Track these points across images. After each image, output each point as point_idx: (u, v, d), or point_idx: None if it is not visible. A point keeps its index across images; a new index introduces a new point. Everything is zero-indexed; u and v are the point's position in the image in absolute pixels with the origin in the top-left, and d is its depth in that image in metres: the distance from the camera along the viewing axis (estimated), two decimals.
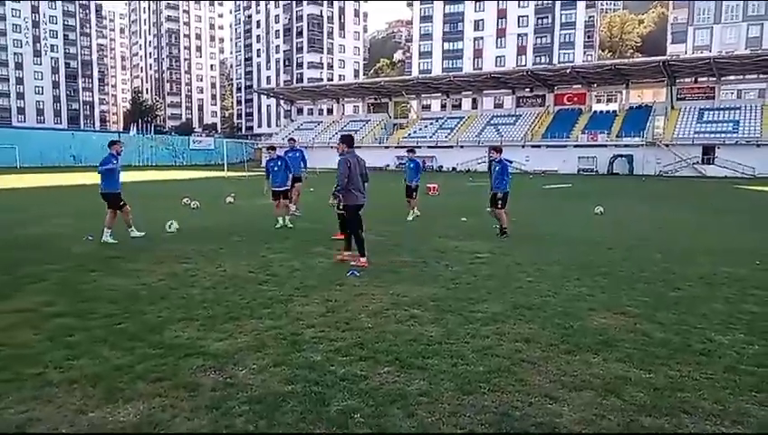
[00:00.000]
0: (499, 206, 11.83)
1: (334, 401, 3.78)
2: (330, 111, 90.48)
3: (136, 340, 4.95)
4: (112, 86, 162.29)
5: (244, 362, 4.47)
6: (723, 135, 53.60)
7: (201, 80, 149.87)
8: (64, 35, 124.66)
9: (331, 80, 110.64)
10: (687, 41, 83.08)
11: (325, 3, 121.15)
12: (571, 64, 70.81)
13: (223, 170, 44.74)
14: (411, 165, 15.71)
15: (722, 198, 25.05)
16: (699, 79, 60.38)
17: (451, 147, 65.65)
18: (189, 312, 5.85)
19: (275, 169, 12.91)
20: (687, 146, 54.25)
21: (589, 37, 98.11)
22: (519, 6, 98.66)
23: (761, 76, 58.27)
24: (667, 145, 55.00)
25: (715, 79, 58.82)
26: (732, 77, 61.34)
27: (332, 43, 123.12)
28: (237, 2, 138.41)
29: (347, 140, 8.75)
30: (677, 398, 3.89)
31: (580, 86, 66.32)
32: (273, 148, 13.78)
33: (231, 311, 5.90)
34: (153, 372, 4.24)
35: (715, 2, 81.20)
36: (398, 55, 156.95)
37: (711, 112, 57.04)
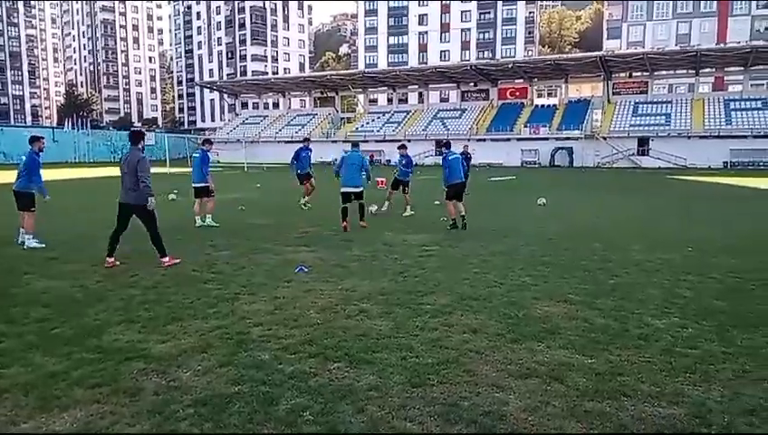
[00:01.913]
0: (448, 198, 11.98)
1: (282, 399, 3.73)
2: (276, 105, 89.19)
3: (72, 345, 4.72)
4: (44, 79, 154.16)
5: (189, 363, 4.34)
6: (656, 128, 56.09)
7: (140, 73, 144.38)
8: None
9: (276, 73, 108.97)
10: (622, 37, 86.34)
11: None
12: (513, 59, 72.53)
13: (165, 166, 43.36)
14: (404, 161, 15.23)
15: (656, 188, 26.22)
16: (633, 74, 62.97)
17: (398, 140, 65.94)
18: (129, 314, 5.63)
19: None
20: (624, 138, 56.47)
21: (529, 33, 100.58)
22: (462, 1, 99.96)
23: (689, 71, 61.26)
24: (604, 138, 57.08)
25: (648, 74, 61.43)
26: (663, 72, 64.33)
27: (276, 36, 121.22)
28: None
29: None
30: (618, 381, 4.04)
31: (522, 81, 67.88)
32: (209, 141, 13.81)
33: (174, 311, 5.72)
34: (91, 377, 4.06)
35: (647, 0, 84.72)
36: (343, 49, 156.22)
37: (645, 106, 59.57)
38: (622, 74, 63.54)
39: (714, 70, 62.11)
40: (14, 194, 10.29)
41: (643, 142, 55.78)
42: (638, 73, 62.43)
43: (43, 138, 10.67)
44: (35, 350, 4.61)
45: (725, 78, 66.48)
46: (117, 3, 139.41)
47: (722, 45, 63.71)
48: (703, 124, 54.31)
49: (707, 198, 21.00)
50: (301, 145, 16.62)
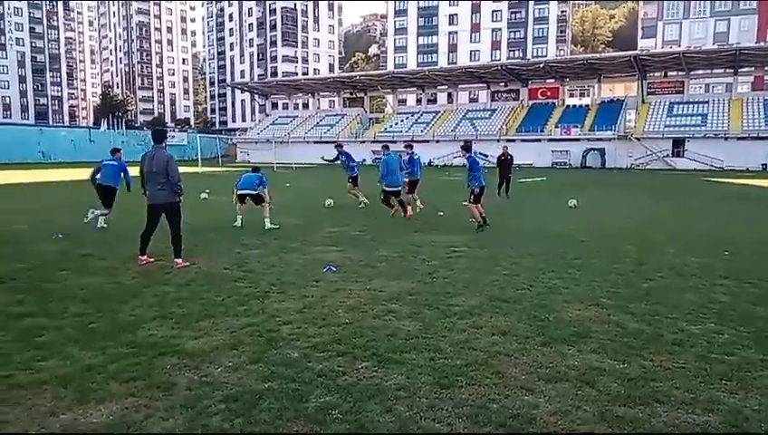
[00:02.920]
0: (472, 200, 11.84)
1: (312, 397, 3.76)
2: (305, 106, 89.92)
3: (108, 339, 4.85)
4: (81, 80, 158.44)
5: (220, 360, 4.42)
6: (692, 128, 54.71)
7: (173, 74, 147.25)
8: (30, 28, 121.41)
9: (306, 74, 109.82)
10: (657, 36, 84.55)
11: None
12: (545, 59, 71.54)
13: (197, 166, 44.12)
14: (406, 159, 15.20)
15: (691, 191, 25.59)
16: (669, 73, 61.54)
17: (427, 141, 65.78)
18: (163, 310, 5.76)
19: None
20: (658, 139, 55.26)
21: (561, 32, 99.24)
22: (493, 1, 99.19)
23: (727, 71, 59.58)
24: (638, 138, 55.94)
25: (684, 73, 59.97)
26: (700, 71, 62.63)
27: (307, 37, 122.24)
28: None
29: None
30: (651, 387, 3.96)
31: (553, 80, 66.98)
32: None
33: (206, 308, 5.82)
34: (126, 371, 4.16)
35: None
36: (373, 50, 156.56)
37: (680, 106, 58.17)
38: (657, 74, 62.16)
39: (753, 69, 60.29)
40: (101, 188, 12.50)
41: (678, 143, 54.49)
42: (674, 73, 60.97)
43: (120, 150, 13.34)
44: (73, 343, 4.75)
45: (766, 77, 64.49)
46: (152, 5, 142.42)
47: (762, 44, 61.83)
48: (741, 125, 52.77)
49: (745, 201, 20.40)
50: (336, 152, 17.62)
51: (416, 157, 15.45)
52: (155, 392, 3.83)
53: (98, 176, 12.69)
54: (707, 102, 57.98)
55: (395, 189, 13.80)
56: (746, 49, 54.13)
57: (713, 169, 50.06)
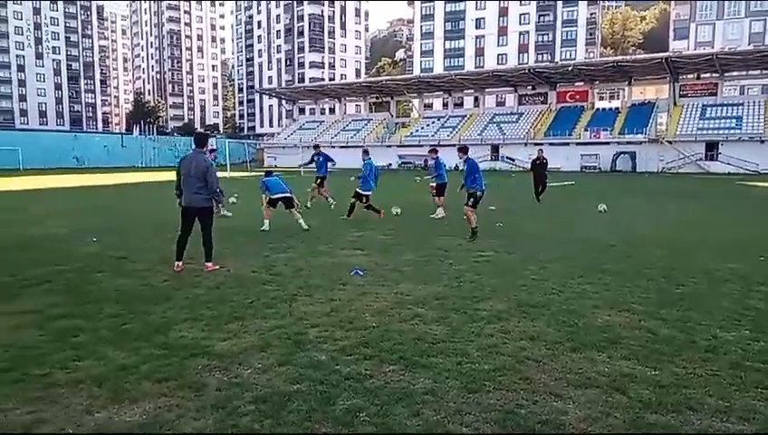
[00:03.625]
0: (471, 204, 11.36)
1: (339, 400, 3.79)
2: (332, 111, 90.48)
3: (141, 340, 4.97)
4: (114, 87, 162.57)
5: (249, 361, 4.48)
6: (726, 131, 53.43)
7: (203, 80, 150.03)
8: (66, 37, 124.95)
9: (333, 79, 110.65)
10: (690, 37, 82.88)
11: (326, 2, 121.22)
12: (573, 62, 70.72)
13: (225, 171, 44.77)
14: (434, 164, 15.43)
15: (725, 195, 24.98)
16: (702, 75, 60.21)
17: (453, 145, 65.57)
18: (194, 312, 5.86)
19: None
20: (690, 142, 54.09)
21: (591, 34, 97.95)
22: (520, 4, 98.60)
23: (764, 72, 58.07)
24: (670, 142, 54.87)
25: (717, 75, 58.64)
26: (734, 73, 61.17)
27: (334, 43, 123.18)
28: (238, 2, 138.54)
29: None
30: (683, 395, 3.89)
31: (582, 83, 66.19)
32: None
33: (235, 311, 5.91)
34: (158, 372, 4.25)
35: None
36: (399, 54, 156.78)
37: (714, 109, 56.87)
38: (689, 76, 60.87)
39: None
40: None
41: (711, 147, 53.28)
42: (707, 75, 59.65)
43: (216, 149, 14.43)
44: (108, 344, 4.87)
45: None
46: (183, 14, 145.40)
47: None
48: None
49: None
50: (314, 151, 18.31)
51: (441, 161, 15.39)
52: (186, 393, 3.90)
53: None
54: (742, 105, 56.59)
55: (365, 194, 14.11)
56: None
57: (748, 172, 48.77)
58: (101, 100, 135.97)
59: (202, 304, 6.16)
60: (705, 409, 3.69)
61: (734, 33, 79.00)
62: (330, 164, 18.18)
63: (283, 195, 12.33)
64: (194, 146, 8.12)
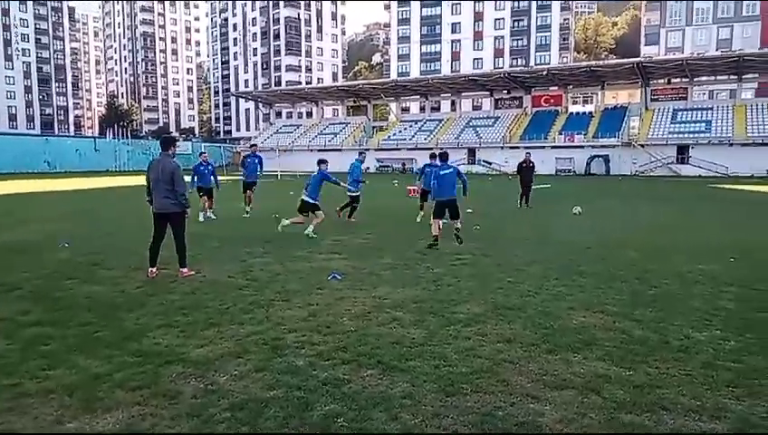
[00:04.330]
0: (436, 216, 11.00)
1: (317, 405, 3.76)
2: (309, 115, 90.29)
3: (114, 348, 4.87)
4: (87, 90, 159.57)
5: (225, 368, 4.43)
6: (696, 135, 54.67)
7: (177, 83, 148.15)
8: (36, 39, 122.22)
9: (310, 83, 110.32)
10: (660, 42, 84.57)
11: (302, 6, 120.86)
12: (547, 66, 71.74)
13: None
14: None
15: (696, 197, 25.53)
16: (672, 80, 61.58)
17: (431, 149, 65.92)
18: (168, 318, 5.77)
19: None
20: (662, 146, 55.23)
21: (564, 39, 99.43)
22: (495, 9, 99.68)
23: (731, 77, 59.59)
24: (642, 145, 55.92)
25: (687, 80, 59.99)
26: (704, 78, 62.62)
27: (310, 46, 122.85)
28: (213, 3, 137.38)
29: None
30: (657, 394, 3.95)
31: (556, 88, 67.11)
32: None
33: (211, 317, 5.83)
34: (132, 380, 4.17)
35: (686, 3, 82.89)
36: (376, 58, 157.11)
37: (684, 113, 58.17)
38: (660, 81, 62.22)
39: (757, 75, 60.30)
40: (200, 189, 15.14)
41: (682, 150, 54.47)
42: (677, 80, 61.02)
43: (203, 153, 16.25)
44: (79, 352, 4.77)
45: None
46: (157, 16, 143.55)
47: (765, 50, 61.76)
48: (745, 131, 52.73)
49: (750, 208, 20.35)
50: (249, 151, 17.42)
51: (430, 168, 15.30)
52: (161, 401, 3.83)
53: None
54: (711, 109, 57.97)
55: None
56: (750, 55, 54.18)
57: (718, 175, 49.94)
58: (73, 103, 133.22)
59: (177, 311, 6.07)
60: (679, 408, 3.75)
61: (703, 39, 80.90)
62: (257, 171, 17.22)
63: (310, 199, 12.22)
64: (160, 150, 7.98)
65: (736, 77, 58.53)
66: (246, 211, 16.20)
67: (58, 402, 3.82)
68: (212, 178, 15.42)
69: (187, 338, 5.16)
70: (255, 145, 18.73)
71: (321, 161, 12.97)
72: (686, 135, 55.10)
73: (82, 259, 9.15)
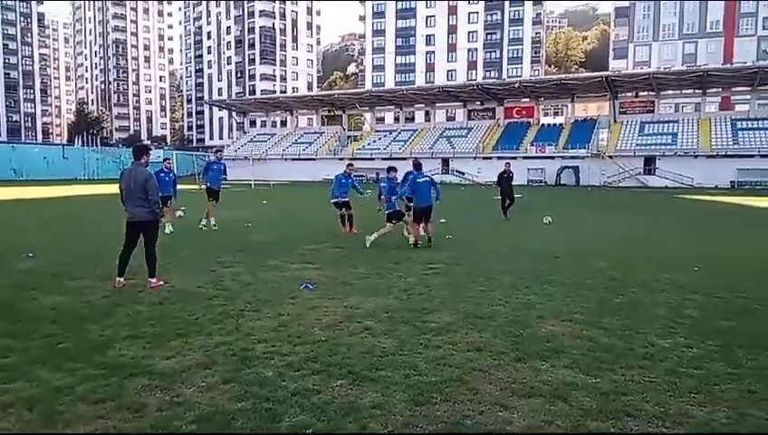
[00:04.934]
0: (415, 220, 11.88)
1: (286, 416, 3.73)
2: (283, 124, 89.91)
3: (77, 360, 4.74)
4: (56, 97, 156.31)
5: (193, 379, 4.35)
6: (662, 147, 56.09)
7: (150, 91, 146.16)
8: (4, 45, 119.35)
9: (285, 92, 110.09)
10: (628, 57, 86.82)
11: (278, 15, 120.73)
12: (519, 79, 72.95)
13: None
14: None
15: (662, 208, 26.13)
16: (640, 93, 63.20)
17: (405, 159, 66.15)
18: (135, 329, 5.66)
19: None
20: (630, 157, 56.49)
21: (536, 53, 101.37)
22: (469, 22, 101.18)
23: (696, 91, 61.39)
24: (611, 157, 57.10)
25: (654, 93, 61.65)
26: (670, 91, 64.46)
27: (285, 56, 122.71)
28: (187, 11, 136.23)
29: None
30: (622, 401, 4.02)
31: (528, 100, 68.23)
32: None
33: (179, 327, 5.74)
34: (95, 393, 4.07)
35: (653, 19, 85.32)
36: (351, 68, 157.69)
37: (651, 125, 59.66)
38: (628, 94, 63.78)
39: (720, 90, 62.23)
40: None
41: (650, 161, 55.81)
42: (645, 93, 62.66)
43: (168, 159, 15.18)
44: (40, 365, 4.63)
45: (732, 98, 66.54)
46: (129, 23, 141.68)
47: (728, 65, 63.87)
48: (710, 144, 54.28)
49: (714, 218, 20.91)
50: (213, 158, 15.94)
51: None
52: (125, 414, 3.75)
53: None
54: (677, 122, 59.60)
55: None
56: (713, 70, 55.89)
57: (683, 186, 51.23)
58: (42, 110, 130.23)
59: (144, 322, 5.95)
60: (643, 415, 3.81)
61: (669, 54, 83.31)
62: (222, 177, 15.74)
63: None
64: (132, 158, 7.89)
65: (701, 91, 60.34)
66: (204, 225, 14.88)
67: (16, 417, 3.71)
68: (172, 187, 14.08)
69: (153, 349, 5.06)
70: (221, 151, 17.50)
71: (390, 169, 13.20)
72: (652, 147, 56.48)
73: (47, 269, 8.92)
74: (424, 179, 11.94)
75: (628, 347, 5.22)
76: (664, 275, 8.67)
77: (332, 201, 14.69)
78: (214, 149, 18.18)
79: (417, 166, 12.22)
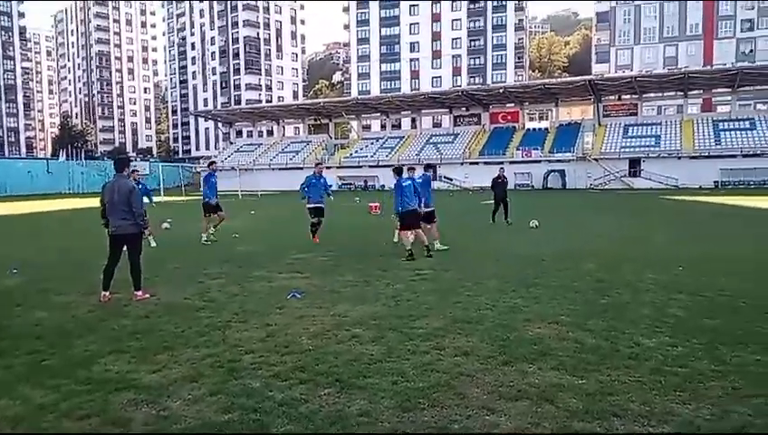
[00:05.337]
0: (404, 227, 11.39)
1: (273, 427, 3.72)
2: (270, 133, 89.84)
3: (61, 376, 4.70)
4: (39, 111, 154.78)
5: (179, 393, 4.32)
6: (646, 149, 56.75)
7: (134, 103, 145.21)
8: None
9: (270, 101, 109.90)
10: (611, 61, 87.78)
11: (262, 25, 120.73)
12: (504, 84, 73.50)
13: (159, 195, 43.39)
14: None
15: (648, 209, 26.38)
16: (623, 96, 63.92)
17: (392, 165, 66.40)
18: (120, 344, 5.61)
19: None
20: (615, 160, 57.04)
21: (519, 58, 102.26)
22: (452, 29, 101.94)
23: (678, 93, 62.23)
24: (596, 159, 57.62)
25: (637, 96, 62.39)
26: (652, 94, 65.31)
27: (270, 65, 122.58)
28: (170, 22, 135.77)
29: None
30: (608, 401, 4.05)
31: (513, 105, 68.75)
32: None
33: (165, 340, 5.70)
34: (80, 408, 4.03)
35: (634, 23, 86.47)
36: (336, 77, 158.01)
37: (635, 128, 60.34)
38: (612, 97, 64.47)
39: (701, 91, 63.15)
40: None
41: (634, 163, 56.38)
42: (628, 96, 63.40)
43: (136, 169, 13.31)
44: (24, 382, 4.58)
45: (713, 99, 67.52)
46: (113, 35, 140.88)
47: (708, 67, 64.86)
48: (693, 145, 54.98)
49: (698, 219, 21.16)
50: (208, 170, 15.42)
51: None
52: (110, 429, 3.72)
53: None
54: (660, 124, 60.37)
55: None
56: (694, 72, 56.72)
57: (668, 187, 51.79)
58: (25, 124, 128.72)
59: (129, 336, 5.91)
60: (629, 414, 3.85)
61: (651, 58, 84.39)
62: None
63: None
64: (114, 171, 7.84)
65: (682, 93, 61.18)
66: (212, 235, 14.59)
67: None
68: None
69: (139, 363, 5.02)
70: (214, 162, 17.06)
71: (428, 166, 13.28)
72: (637, 149, 57.11)
73: (32, 285, 8.83)
74: (407, 183, 11.41)
75: (614, 348, 5.26)
76: (649, 276, 8.76)
77: (308, 206, 13.93)
78: (207, 162, 17.65)
79: (398, 171, 11.69)
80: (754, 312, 6.50)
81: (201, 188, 15.37)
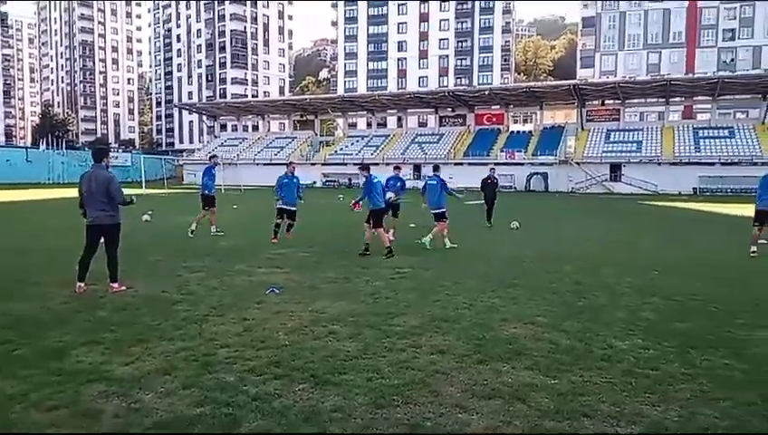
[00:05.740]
0: (372, 225, 11.44)
1: (245, 422, 3.70)
2: (255, 128, 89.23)
3: (33, 367, 4.63)
4: (20, 99, 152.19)
5: (152, 385, 4.29)
6: (628, 154, 57.44)
7: (118, 93, 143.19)
8: None
9: (256, 96, 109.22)
10: (595, 66, 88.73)
11: (249, 19, 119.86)
12: (490, 86, 73.91)
13: (140, 187, 42.90)
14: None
15: (627, 213, 26.73)
16: (606, 101, 64.63)
17: (377, 164, 66.32)
18: (94, 335, 5.54)
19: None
20: (597, 164, 57.65)
21: (505, 61, 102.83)
22: (440, 30, 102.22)
23: (660, 100, 63.08)
24: (578, 163, 58.19)
25: (620, 102, 63.11)
26: (635, 100, 66.12)
27: (257, 60, 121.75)
28: (156, 13, 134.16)
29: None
30: (579, 402, 4.10)
31: (498, 107, 69.11)
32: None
33: (140, 333, 5.65)
34: (50, 399, 3.98)
35: (618, 29, 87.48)
36: (323, 74, 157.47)
37: (617, 133, 61.05)
38: (595, 102, 65.18)
39: (683, 99, 64.07)
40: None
41: (615, 168, 57.03)
42: (611, 101, 64.11)
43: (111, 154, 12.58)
44: None
45: (694, 107, 68.57)
46: (97, 24, 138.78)
47: (690, 75, 65.82)
48: (673, 151, 55.76)
49: (675, 224, 21.48)
50: (210, 163, 15.50)
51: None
52: (80, 421, 3.68)
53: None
54: (642, 130, 61.15)
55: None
56: (676, 80, 57.53)
57: (647, 192, 52.47)
58: (5, 112, 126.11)
59: (104, 327, 5.84)
60: (599, 414, 3.90)
61: (634, 64, 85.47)
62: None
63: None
64: (92, 161, 7.74)
65: (664, 100, 62.01)
66: (218, 231, 14.51)
67: None
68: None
69: (112, 355, 4.97)
70: (216, 156, 16.95)
71: (436, 167, 13.58)
72: (618, 154, 57.78)
73: (7, 275, 8.68)
74: (378, 181, 11.69)
75: (588, 349, 5.33)
76: (626, 279, 8.88)
77: (279, 206, 13.59)
78: (209, 156, 17.60)
79: (364, 168, 11.77)
80: (726, 317, 6.62)
81: (201, 180, 15.42)
